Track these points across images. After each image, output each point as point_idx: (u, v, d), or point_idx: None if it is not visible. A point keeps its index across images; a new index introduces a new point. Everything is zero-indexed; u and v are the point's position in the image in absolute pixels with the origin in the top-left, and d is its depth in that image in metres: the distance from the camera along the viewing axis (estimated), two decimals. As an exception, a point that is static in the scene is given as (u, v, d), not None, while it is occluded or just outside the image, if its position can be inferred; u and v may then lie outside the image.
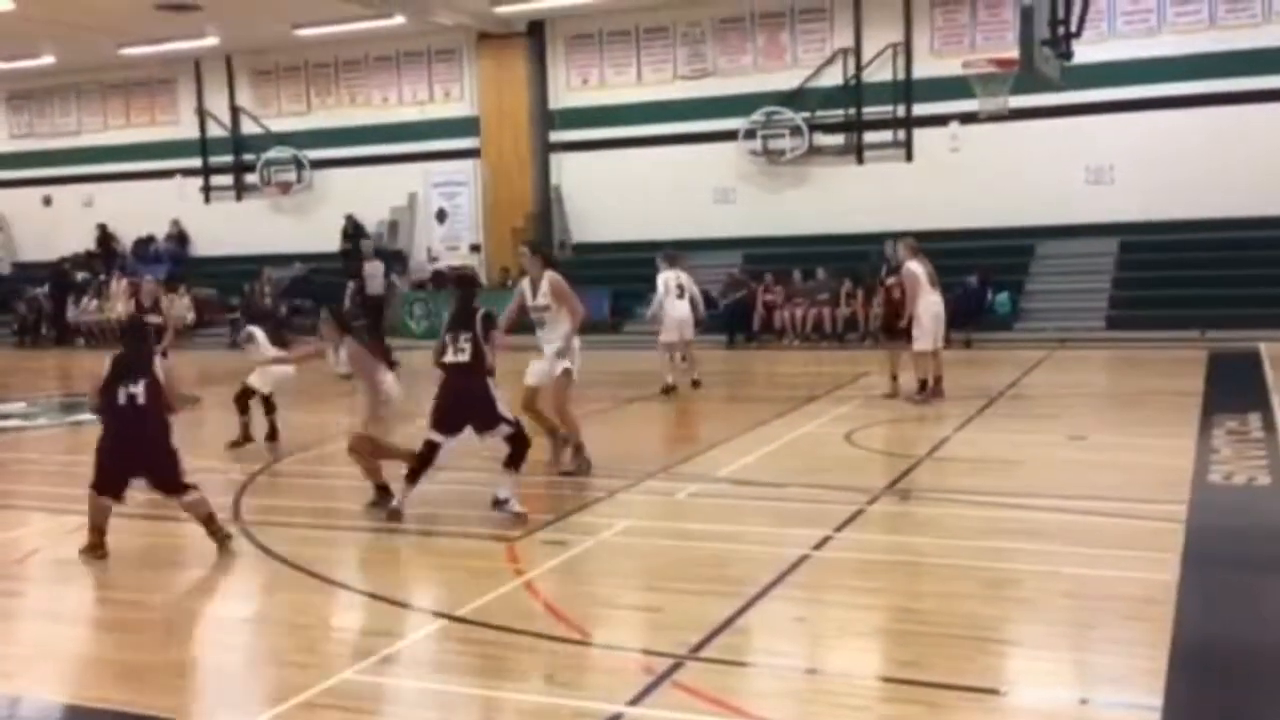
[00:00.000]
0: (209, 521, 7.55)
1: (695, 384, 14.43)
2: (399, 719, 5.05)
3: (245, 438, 11.25)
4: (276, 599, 6.80)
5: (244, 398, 11.31)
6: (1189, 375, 13.96)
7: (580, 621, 5.99)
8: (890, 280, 13.57)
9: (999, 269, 19.88)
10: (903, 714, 4.80)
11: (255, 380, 11.28)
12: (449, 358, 8.13)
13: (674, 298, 14.52)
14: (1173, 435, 10.27)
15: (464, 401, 8.10)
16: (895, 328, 13.25)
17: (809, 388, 14.55)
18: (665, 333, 14.54)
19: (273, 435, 11.47)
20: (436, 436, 8.19)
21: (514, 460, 8.15)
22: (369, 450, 8.63)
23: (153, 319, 13.15)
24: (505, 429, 8.16)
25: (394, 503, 8.29)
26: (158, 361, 7.64)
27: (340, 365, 8.89)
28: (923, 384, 12.81)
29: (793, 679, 5.27)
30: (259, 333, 11.55)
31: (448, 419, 8.15)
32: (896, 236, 13.98)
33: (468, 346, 8.08)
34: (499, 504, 8.11)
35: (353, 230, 25.02)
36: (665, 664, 5.31)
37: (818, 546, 7.20)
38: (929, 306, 12.75)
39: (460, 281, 9.19)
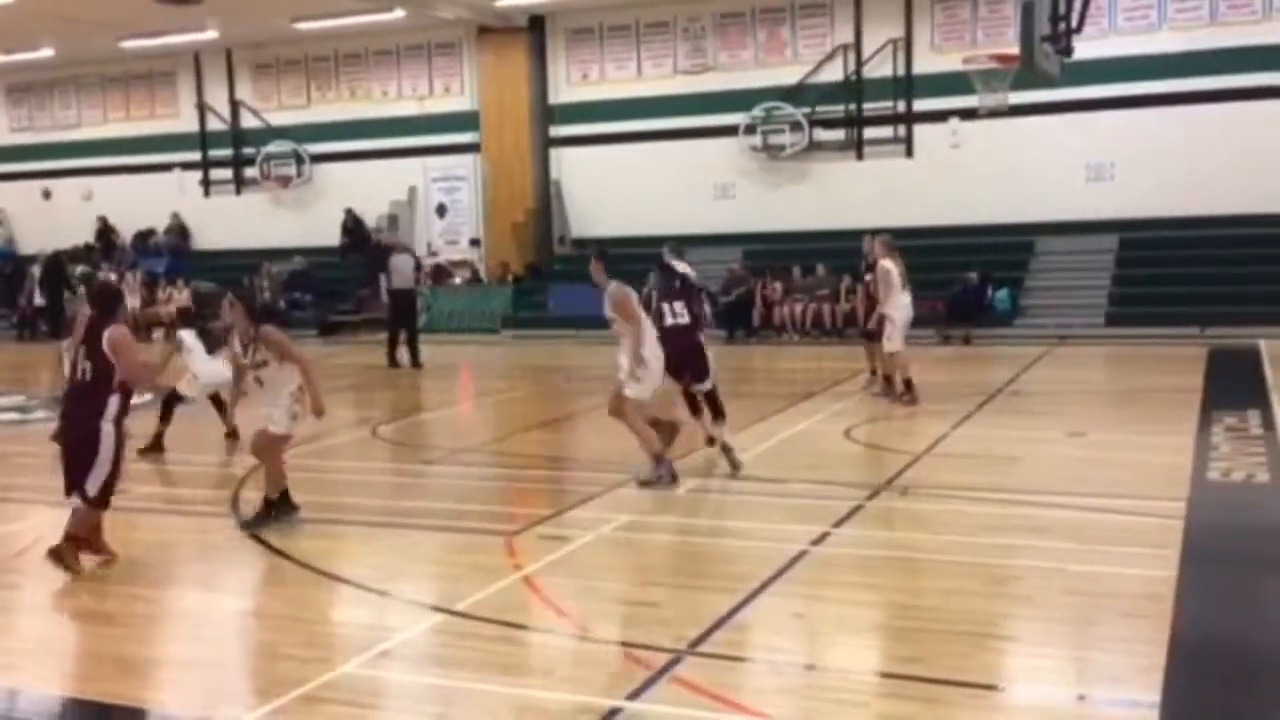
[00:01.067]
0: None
1: None
2: (398, 713, 5.06)
3: (157, 445, 10.70)
4: (276, 593, 6.80)
5: (169, 404, 10.80)
6: (1188, 372, 13.97)
7: (579, 616, 6.00)
8: (869, 277, 13.47)
9: (999, 265, 19.86)
10: (901, 710, 4.80)
11: (184, 387, 10.79)
12: (670, 321, 9.37)
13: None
14: (1172, 432, 10.27)
15: (687, 356, 9.34)
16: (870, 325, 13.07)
17: (808, 384, 14.54)
18: None
19: (232, 435, 11.00)
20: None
21: (718, 410, 9.54)
22: None
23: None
24: (709, 384, 9.51)
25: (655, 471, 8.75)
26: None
27: (244, 358, 8.22)
28: (906, 383, 12.54)
29: (791, 674, 5.28)
30: (190, 338, 10.75)
31: (674, 370, 9.26)
32: (873, 233, 13.83)
33: (684, 311, 9.48)
34: (726, 450, 9.24)
35: (353, 224, 25.00)
36: (664, 659, 5.31)
37: (817, 542, 7.21)
38: (903, 308, 12.58)
39: (661, 266, 10.52)
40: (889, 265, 12.61)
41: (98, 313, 7.10)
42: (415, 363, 17.51)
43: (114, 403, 6.92)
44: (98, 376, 6.89)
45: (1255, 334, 16.64)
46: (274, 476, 8.02)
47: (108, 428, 6.90)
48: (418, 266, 18.91)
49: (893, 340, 12.54)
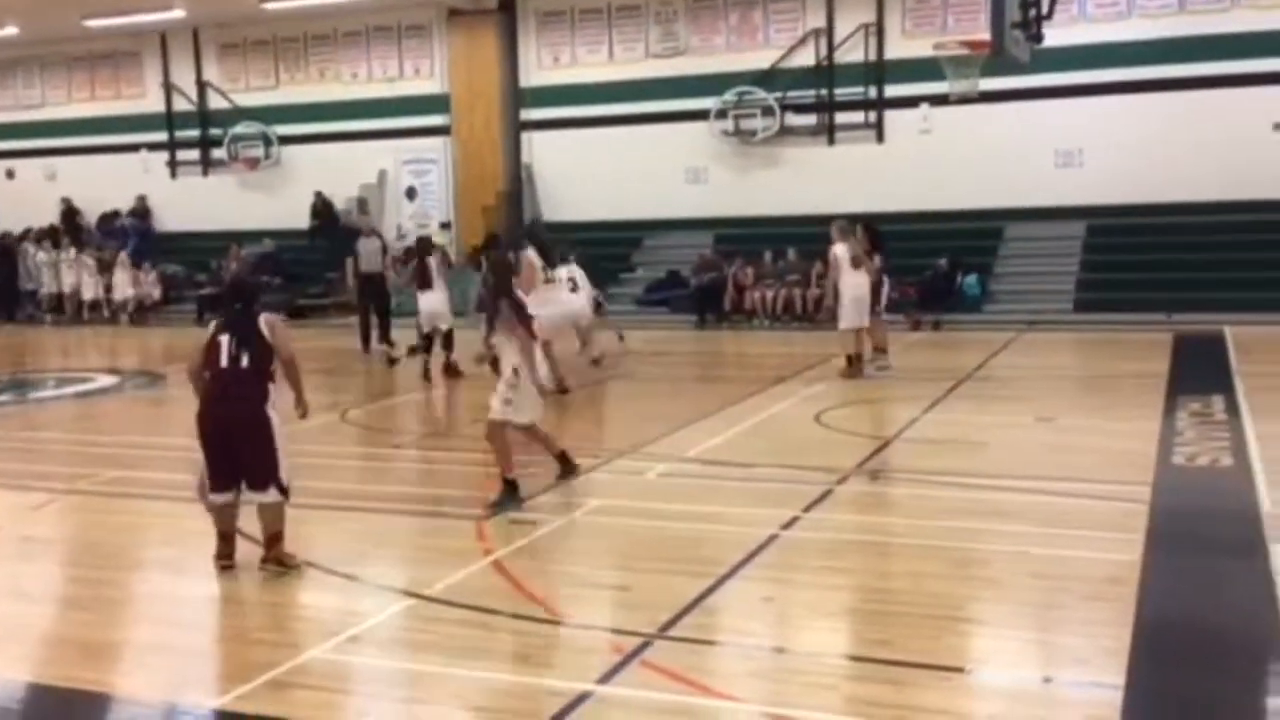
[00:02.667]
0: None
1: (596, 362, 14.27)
2: (367, 698, 5.04)
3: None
4: (244, 578, 6.76)
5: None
6: (1154, 358, 14.10)
7: (549, 601, 6.00)
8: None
9: (969, 251, 19.95)
10: (869, 692, 4.84)
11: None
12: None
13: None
14: (1138, 417, 10.37)
15: None
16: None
17: (778, 368, 14.57)
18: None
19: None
20: None
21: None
22: None
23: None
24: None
25: None
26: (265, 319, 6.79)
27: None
28: (849, 358, 13.34)
29: (761, 658, 5.30)
30: None
31: None
32: (831, 219, 14.27)
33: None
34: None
35: (322, 207, 24.80)
36: (634, 643, 5.32)
37: (787, 526, 7.24)
38: (850, 288, 13.28)
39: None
40: (839, 250, 13.45)
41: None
42: (387, 344, 17.44)
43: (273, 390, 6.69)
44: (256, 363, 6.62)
45: (1220, 320, 16.80)
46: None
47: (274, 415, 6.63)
48: (384, 250, 18.79)
49: (844, 320, 13.34)
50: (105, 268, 24.67)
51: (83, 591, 6.56)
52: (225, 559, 6.70)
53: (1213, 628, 5.55)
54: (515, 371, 8.04)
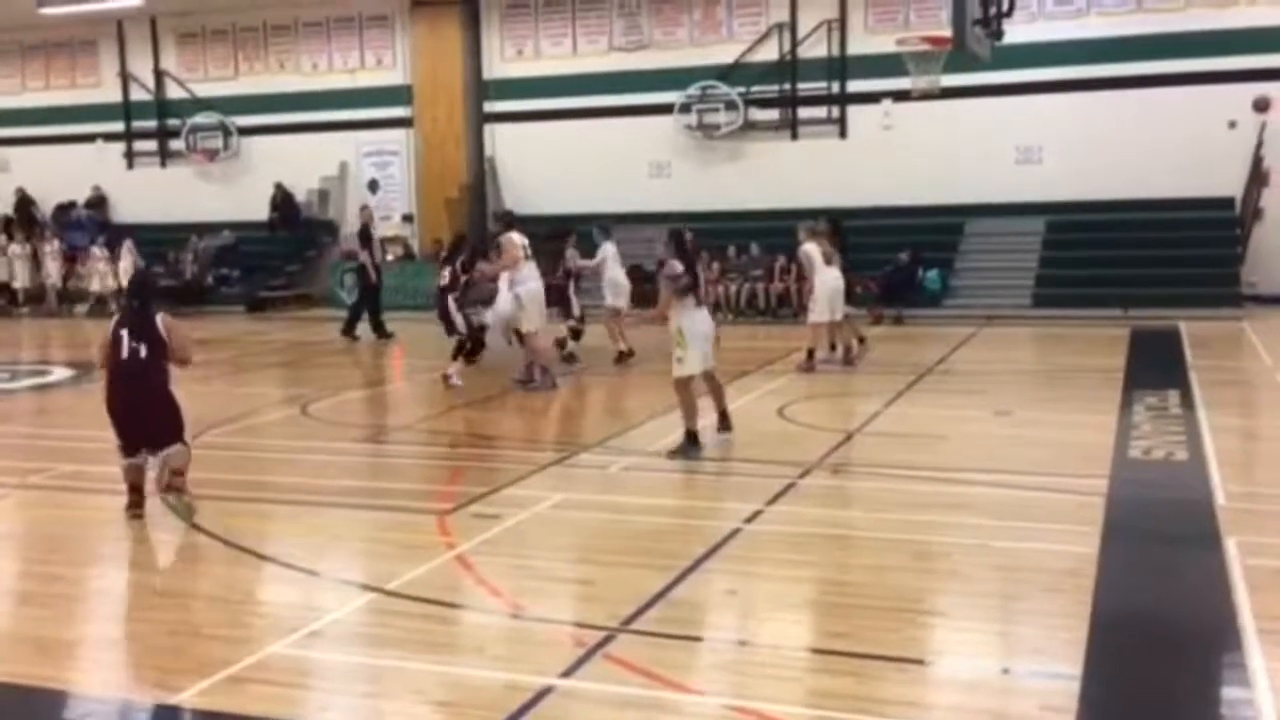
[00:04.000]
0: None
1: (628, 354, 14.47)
2: (327, 693, 5.01)
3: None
4: (202, 573, 6.69)
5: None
6: (1111, 352, 14.26)
7: (512, 594, 5.99)
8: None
9: (930, 246, 20.09)
10: (831, 684, 4.86)
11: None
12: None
13: (620, 266, 14.79)
14: (1095, 411, 10.49)
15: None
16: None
17: (741, 363, 14.59)
18: (618, 297, 14.63)
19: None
20: None
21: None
22: None
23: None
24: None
25: None
26: (161, 318, 7.64)
27: None
28: (810, 353, 13.56)
29: (724, 651, 5.32)
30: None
31: None
32: (795, 214, 14.80)
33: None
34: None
35: (282, 199, 24.58)
36: (597, 636, 5.32)
37: (749, 520, 7.26)
38: (824, 283, 13.49)
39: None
40: (810, 249, 13.67)
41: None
42: (381, 334, 18.02)
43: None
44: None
45: (1176, 315, 17.04)
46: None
47: None
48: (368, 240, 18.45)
49: (816, 314, 13.56)
50: (70, 259, 24.34)
51: (37, 587, 6.47)
52: (135, 509, 7.55)
53: (1168, 618, 5.63)
54: (680, 331, 9.25)
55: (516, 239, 12.92)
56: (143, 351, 7.41)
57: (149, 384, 7.47)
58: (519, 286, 12.61)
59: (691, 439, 9.06)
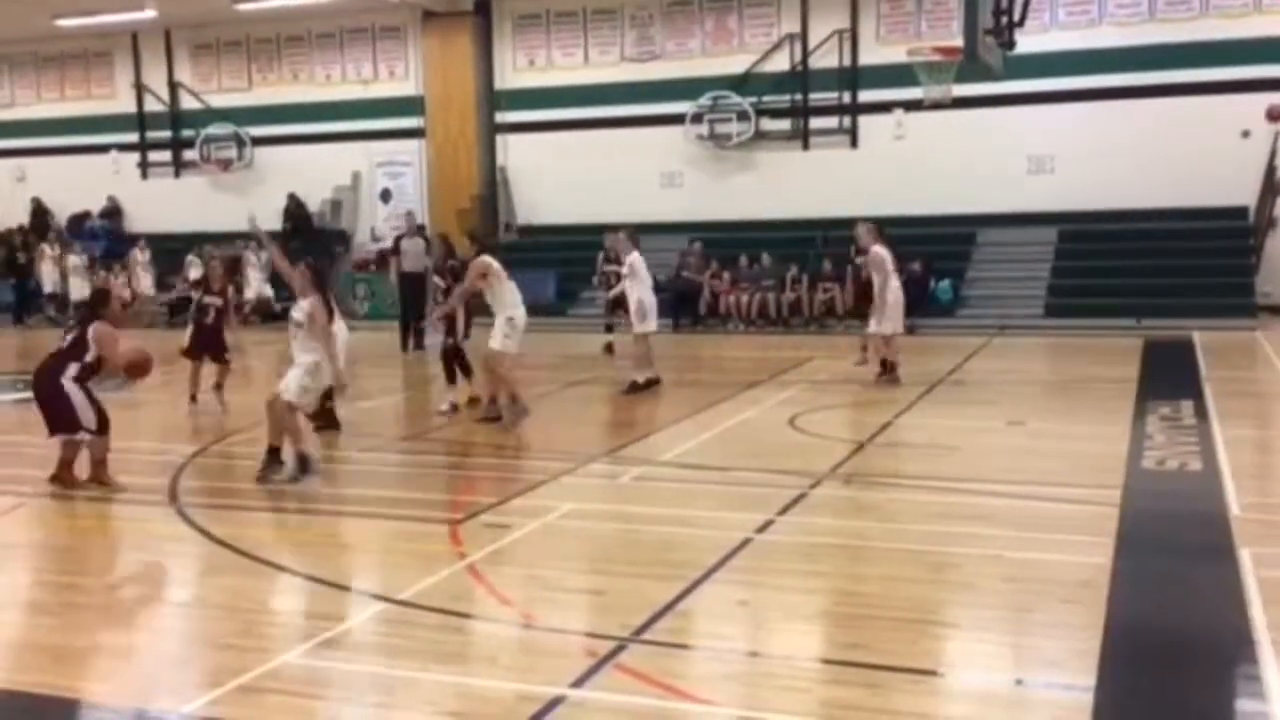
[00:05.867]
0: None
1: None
2: (339, 703, 5.01)
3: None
4: (215, 582, 6.70)
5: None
6: (1124, 363, 14.21)
7: (523, 604, 5.98)
8: (860, 260, 13.49)
9: (941, 256, 20.07)
10: (843, 696, 4.85)
11: None
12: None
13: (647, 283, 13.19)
14: (1108, 421, 10.45)
15: None
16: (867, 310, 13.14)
17: (753, 373, 14.59)
18: (648, 321, 12.96)
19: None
20: None
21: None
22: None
23: (211, 300, 12.82)
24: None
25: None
26: (94, 327, 8.56)
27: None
28: (892, 365, 12.92)
29: (735, 662, 5.30)
30: None
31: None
32: (860, 219, 13.86)
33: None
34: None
35: (295, 209, 24.67)
36: (608, 647, 5.31)
37: (761, 530, 7.24)
38: (894, 290, 12.93)
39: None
40: (880, 251, 12.84)
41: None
42: (419, 345, 17.38)
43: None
44: None
45: (1189, 326, 16.97)
46: None
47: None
48: (428, 250, 18.05)
49: (885, 323, 12.79)
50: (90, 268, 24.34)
51: (51, 597, 6.49)
52: (56, 481, 8.56)
53: (1182, 630, 5.59)
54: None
55: (486, 263, 11.22)
56: (56, 348, 8.59)
57: (43, 375, 8.47)
58: (511, 311, 11.08)
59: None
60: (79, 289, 24.05)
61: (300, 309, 8.98)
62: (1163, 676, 5.06)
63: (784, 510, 7.70)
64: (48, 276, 24.48)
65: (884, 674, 4.99)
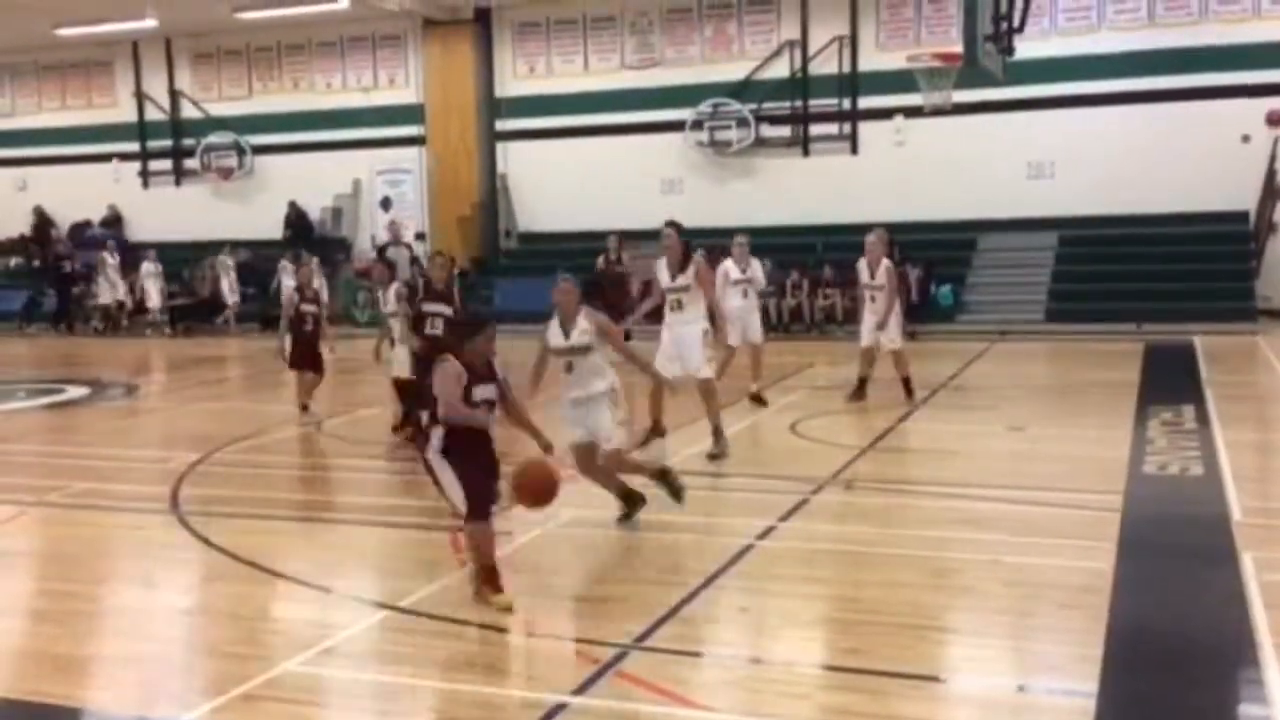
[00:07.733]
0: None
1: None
2: (340, 711, 5.01)
3: None
4: (216, 590, 6.71)
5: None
6: (1125, 367, 14.21)
7: (524, 612, 5.98)
8: (886, 265, 12.72)
9: (942, 261, 20.07)
10: (844, 702, 4.84)
11: None
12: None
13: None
14: (1109, 426, 10.44)
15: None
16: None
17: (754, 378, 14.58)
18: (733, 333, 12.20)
19: None
20: None
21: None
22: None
23: (309, 308, 12.36)
24: None
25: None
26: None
27: None
28: (907, 381, 12.16)
29: (736, 668, 5.30)
30: None
31: None
32: (870, 228, 13.38)
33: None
34: None
35: (296, 217, 24.70)
36: (609, 653, 5.31)
37: (762, 536, 7.24)
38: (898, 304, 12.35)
39: None
40: (890, 264, 12.35)
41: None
42: None
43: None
44: None
45: (1190, 330, 16.97)
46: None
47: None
48: (412, 259, 17.96)
49: (900, 336, 12.26)
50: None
51: (52, 605, 6.49)
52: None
53: (1184, 635, 5.59)
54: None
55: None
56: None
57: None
58: None
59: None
60: (154, 297, 23.74)
61: (581, 331, 7.48)
62: (1165, 681, 5.06)
63: (785, 516, 7.69)
64: (106, 286, 24.21)
65: (885, 680, 4.98)
